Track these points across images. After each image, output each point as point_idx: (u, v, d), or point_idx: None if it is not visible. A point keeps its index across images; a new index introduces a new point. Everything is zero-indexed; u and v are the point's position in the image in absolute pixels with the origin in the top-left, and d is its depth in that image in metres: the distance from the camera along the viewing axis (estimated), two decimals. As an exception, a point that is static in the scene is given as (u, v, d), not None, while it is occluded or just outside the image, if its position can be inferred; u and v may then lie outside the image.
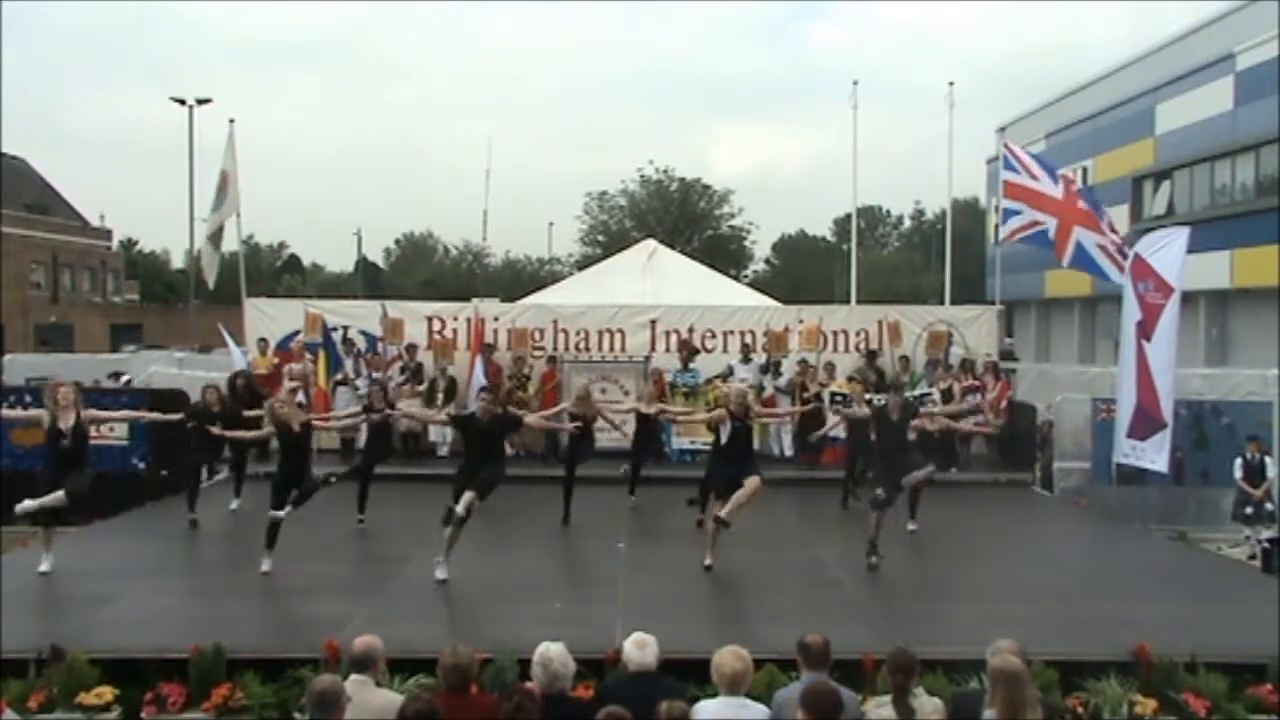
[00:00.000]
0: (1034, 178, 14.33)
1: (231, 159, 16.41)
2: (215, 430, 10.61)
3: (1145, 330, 11.60)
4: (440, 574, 8.78)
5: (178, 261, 71.76)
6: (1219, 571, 10.65)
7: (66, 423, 9.01)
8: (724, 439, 9.58)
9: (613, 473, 12.55)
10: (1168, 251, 11.50)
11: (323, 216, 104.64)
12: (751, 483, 9.23)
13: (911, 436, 10.47)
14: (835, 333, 16.44)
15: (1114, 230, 13.63)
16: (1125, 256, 12.82)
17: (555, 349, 16.16)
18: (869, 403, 11.27)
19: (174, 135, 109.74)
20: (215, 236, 16.84)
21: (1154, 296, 11.48)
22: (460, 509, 8.77)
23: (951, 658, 6.60)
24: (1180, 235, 11.57)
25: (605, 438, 13.17)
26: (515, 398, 14.53)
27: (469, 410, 10.71)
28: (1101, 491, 13.38)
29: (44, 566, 8.97)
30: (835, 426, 11.94)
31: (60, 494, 8.84)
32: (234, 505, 11.86)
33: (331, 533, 10.99)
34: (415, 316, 16.39)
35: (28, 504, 8.83)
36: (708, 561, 9.31)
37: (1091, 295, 30.27)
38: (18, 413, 10.59)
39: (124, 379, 17.20)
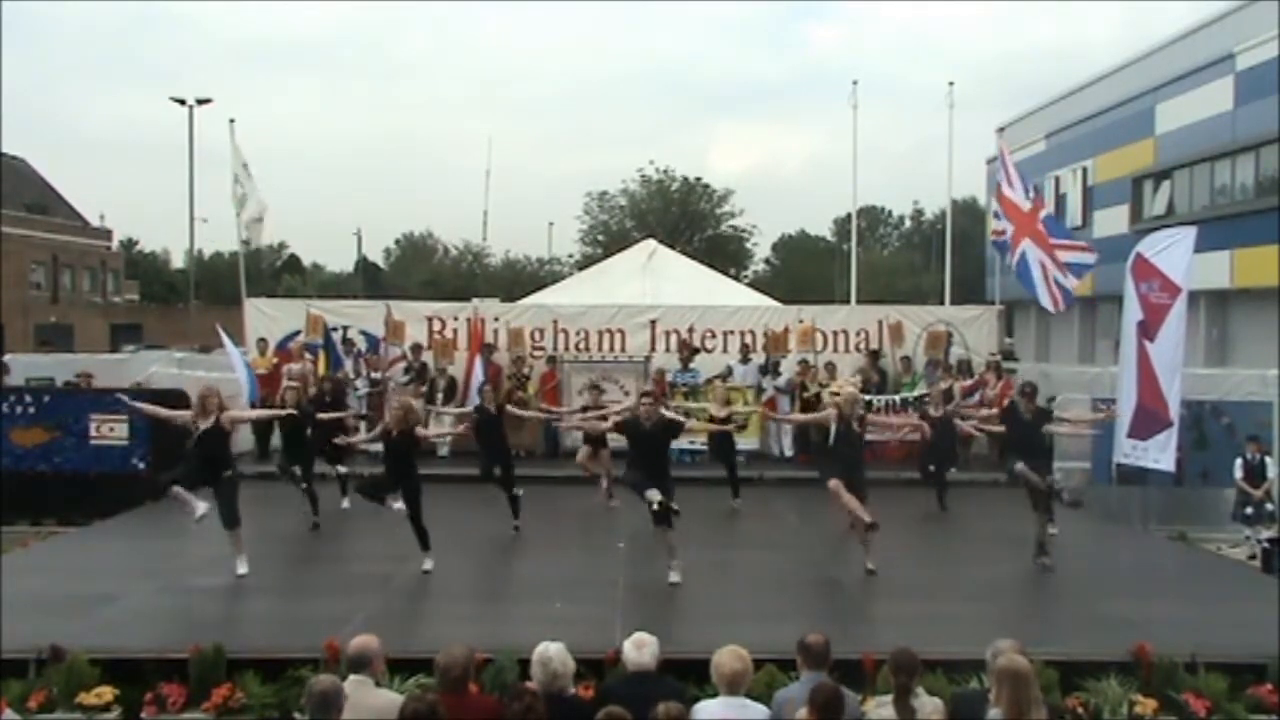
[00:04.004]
0: (1010, 184, 15.07)
1: (238, 159, 16.50)
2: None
3: (1147, 330, 11.57)
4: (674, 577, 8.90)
5: (178, 261, 71.87)
6: (1219, 571, 10.66)
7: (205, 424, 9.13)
8: (831, 439, 9.38)
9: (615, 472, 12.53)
10: (1173, 251, 11.44)
11: (323, 216, 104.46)
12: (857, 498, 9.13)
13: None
14: (835, 333, 16.47)
15: (1057, 263, 14.40)
16: (1064, 290, 14.25)
17: (555, 349, 16.18)
18: (920, 399, 11.75)
19: (174, 135, 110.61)
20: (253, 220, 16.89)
21: (1159, 296, 11.44)
22: (656, 503, 8.78)
23: (951, 658, 6.59)
24: (1188, 235, 11.51)
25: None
26: (515, 397, 14.53)
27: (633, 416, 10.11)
28: (1101, 491, 13.36)
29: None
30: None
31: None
32: (345, 504, 11.83)
33: (333, 533, 11.00)
34: (415, 316, 16.40)
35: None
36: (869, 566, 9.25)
37: (1091, 295, 30.26)
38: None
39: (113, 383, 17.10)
